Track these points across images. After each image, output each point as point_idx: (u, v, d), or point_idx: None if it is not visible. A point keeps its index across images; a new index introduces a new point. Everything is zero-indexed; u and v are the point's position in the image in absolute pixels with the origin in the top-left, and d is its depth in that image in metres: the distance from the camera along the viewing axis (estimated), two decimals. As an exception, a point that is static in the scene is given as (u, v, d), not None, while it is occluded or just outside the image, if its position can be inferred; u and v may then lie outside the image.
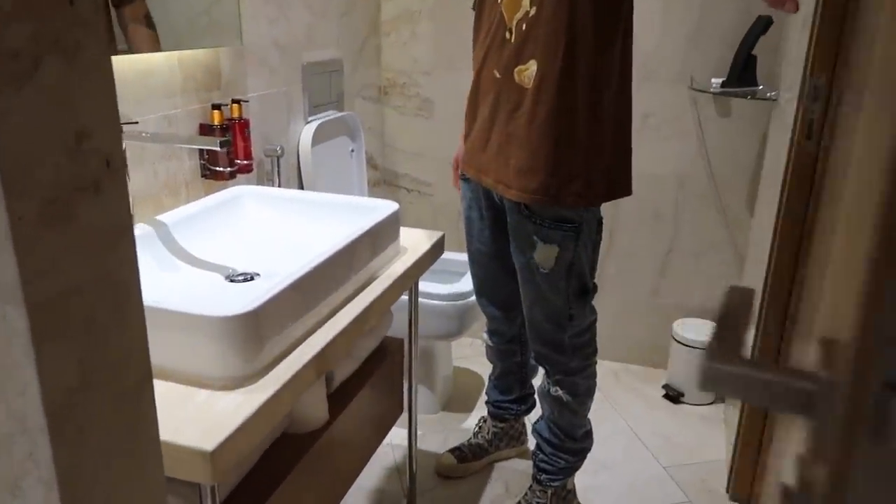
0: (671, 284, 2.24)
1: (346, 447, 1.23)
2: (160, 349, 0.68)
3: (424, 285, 1.79)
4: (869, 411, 0.34)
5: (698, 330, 2.12)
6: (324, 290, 1.02)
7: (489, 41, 1.35)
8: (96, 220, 0.43)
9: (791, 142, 1.46)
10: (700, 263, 2.19)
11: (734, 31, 1.92)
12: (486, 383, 1.85)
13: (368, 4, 2.20)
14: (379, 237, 1.20)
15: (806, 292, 1.21)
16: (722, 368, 0.45)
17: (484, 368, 2.27)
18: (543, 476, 1.60)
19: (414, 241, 1.37)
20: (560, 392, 1.52)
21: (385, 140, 2.40)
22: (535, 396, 1.79)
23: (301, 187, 1.85)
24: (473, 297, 1.85)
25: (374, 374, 1.31)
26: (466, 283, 1.88)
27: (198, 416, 0.79)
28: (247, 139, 1.51)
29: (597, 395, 1.60)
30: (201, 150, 1.44)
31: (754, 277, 1.90)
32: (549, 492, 1.60)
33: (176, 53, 1.33)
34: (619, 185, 1.38)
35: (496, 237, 1.54)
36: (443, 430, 1.99)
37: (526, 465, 1.83)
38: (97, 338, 0.44)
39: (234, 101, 1.48)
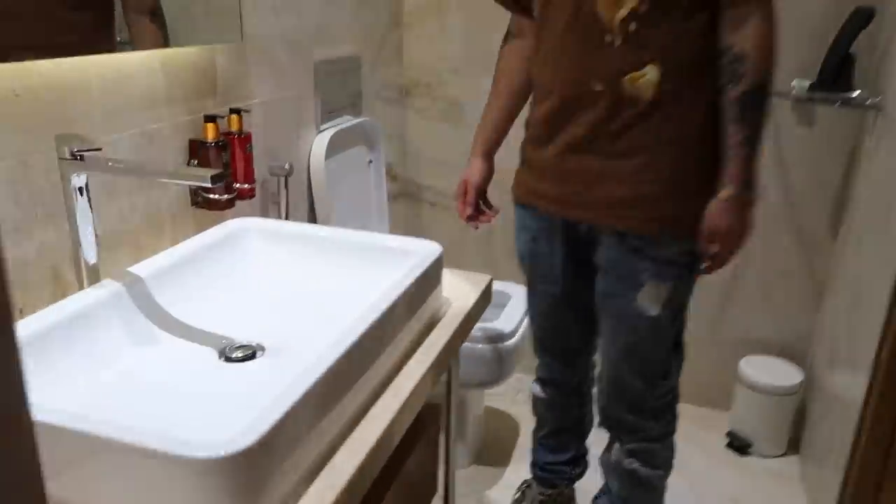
0: (736, 316, 1.95)
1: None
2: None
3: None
4: None
5: (768, 369, 1.84)
6: (350, 385, 0.74)
7: (577, 47, 1.08)
8: None
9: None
10: (770, 292, 1.90)
11: (822, 25, 1.62)
12: (531, 441, 1.57)
13: (390, -8, 1.91)
14: (417, 294, 0.92)
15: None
16: None
17: (519, 409, 2.00)
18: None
19: (457, 290, 1.09)
20: (635, 464, 1.26)
21: (407, 147, 2.12)
22: (587, 458, 1.52)
23: (312, 209, 1.57)
24: (517, 339, 1.57)
25: (404, 463, 1.04)
26: (509, 319, 1.60)
27: None
28: (249, 158, 1.23)
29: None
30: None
31: (834, 311, 1.62)
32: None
33: (158, 52, 1.05)
34: None
35: (571, 275, 1.28)
36: (475, 490, 1.71)
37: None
38: None
39: (232, 112, 1.20)
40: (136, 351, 0.84)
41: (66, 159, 0.84)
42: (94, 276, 0.89)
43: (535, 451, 1.55)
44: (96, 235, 0.90)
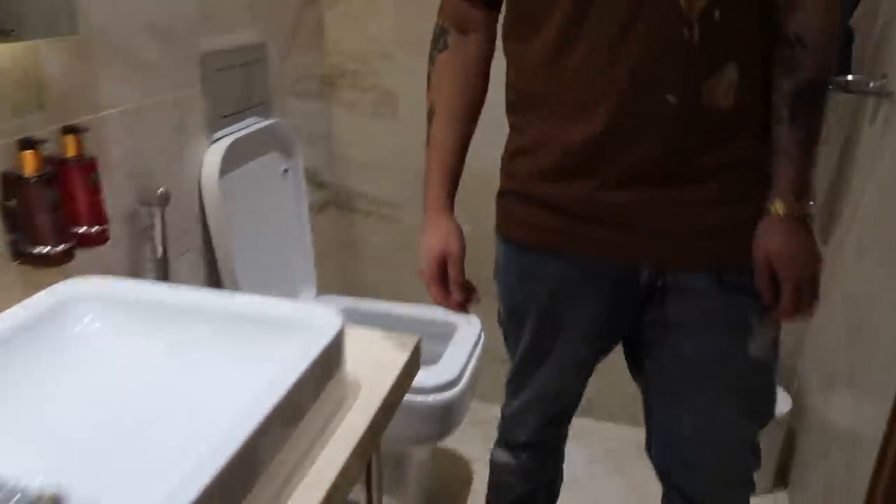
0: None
1: None
2: None
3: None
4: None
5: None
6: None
7: (642, 46, 0.82)
8: None
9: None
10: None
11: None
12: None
13: (302, -35, 1.60)
14: (305, 394, 0.65)
15: None
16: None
17: (470, 447, 1.75)
18: None
19: (368, 361, 0.82)
20: None
21: (334, 149, 1.82)
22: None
23: (208, 240, 1.28)
24: (463, 385, 1.32)
25: None
26: (452, 361, 1.34)
27: None
28: (94, 190, 0.93)
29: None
30: (10, 218, 0.86)
31: (827, 330, 1.41)
32: None
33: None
34: None
35: (607, 332, 1.02)
36: (424, 554, 1.47)
37: None
38: None
39: (66, 131, 0.90)
40: None
41: None
42: None
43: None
44: None
